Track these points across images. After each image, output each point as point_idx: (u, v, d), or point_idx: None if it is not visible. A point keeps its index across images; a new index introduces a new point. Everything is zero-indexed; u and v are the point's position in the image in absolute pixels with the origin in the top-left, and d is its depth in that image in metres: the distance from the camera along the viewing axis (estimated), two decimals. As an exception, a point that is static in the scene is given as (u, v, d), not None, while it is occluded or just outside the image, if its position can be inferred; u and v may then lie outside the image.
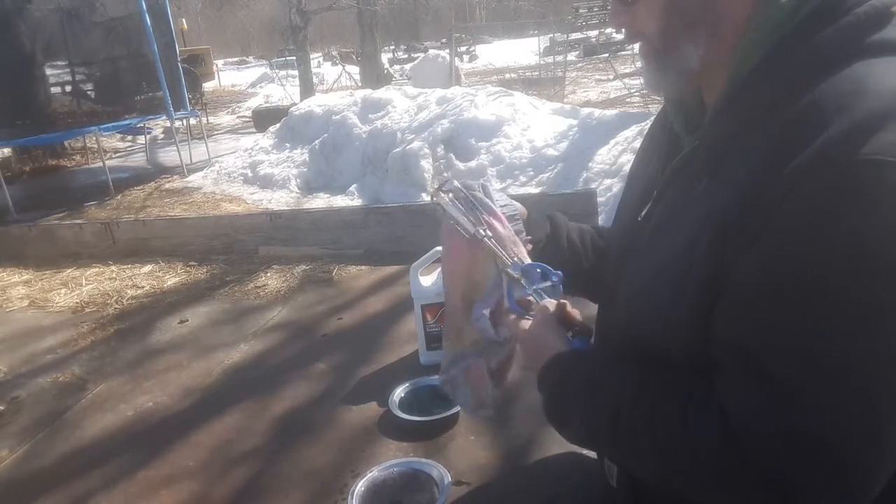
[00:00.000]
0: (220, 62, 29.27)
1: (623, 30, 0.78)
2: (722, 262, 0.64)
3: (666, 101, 0.86)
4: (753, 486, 0.61)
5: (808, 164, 0.59)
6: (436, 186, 0.98)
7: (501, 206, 0.95)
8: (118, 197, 6.69)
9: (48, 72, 7.83)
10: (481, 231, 0.90)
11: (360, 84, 14.47)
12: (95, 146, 8.39)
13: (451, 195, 0.94)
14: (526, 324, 0.87)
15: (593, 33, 21.13)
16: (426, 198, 5.51)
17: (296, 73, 14.90)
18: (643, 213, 0.83)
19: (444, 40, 25.29)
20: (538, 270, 0.87)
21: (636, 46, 0.79)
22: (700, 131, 0.76)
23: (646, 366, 0.74)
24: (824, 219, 0.58)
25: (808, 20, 0.66)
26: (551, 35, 16.43)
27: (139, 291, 2.77)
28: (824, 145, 0.58)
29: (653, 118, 0.97)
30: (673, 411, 0.67)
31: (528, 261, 0.89)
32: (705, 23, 0.71)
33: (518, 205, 1.01)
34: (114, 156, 9.63)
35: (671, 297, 0.70)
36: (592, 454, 1.14)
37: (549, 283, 0.87)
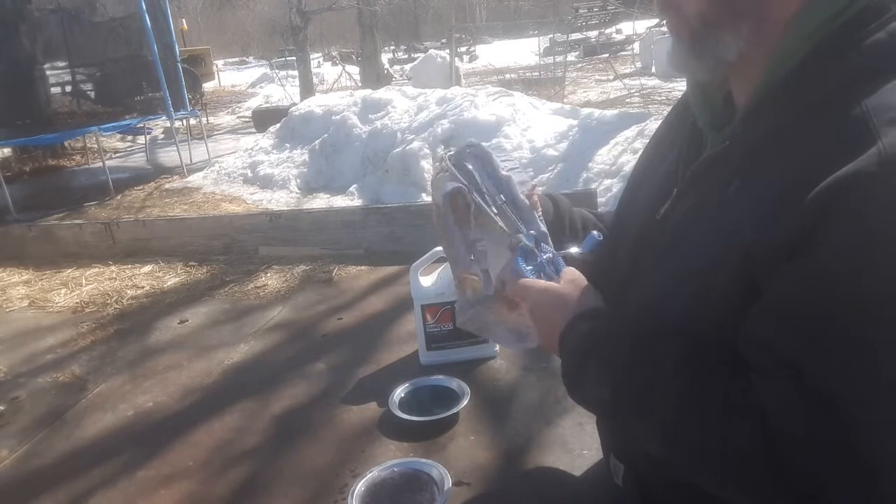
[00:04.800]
0: (220, 62, 29.27)
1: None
2: (757, 269, 0.62)
3: (689, 91, 0.83)
4: (779, 492, 0.59)
5: (859, 173, 0.56)
6: (449, 153, 0.98)
7: (511, 169, 0.95)
8: (118, 197, 6.68)
9: (48, 72, 7.84)
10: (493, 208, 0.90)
11: (360, 84, 14.46)
12: (95, 146, 8.38)
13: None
14: (543, 283, 0.81)
15: (593, 33, 21.13)
16: (426, 198, 5.51)
17: (296, 73, 14.89)
18: (662, 211, 0.79)
19: (444, 40, 25.29)
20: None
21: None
22: (730, 130, 0.72)
23: (691, 342, 0.68)
24: (875, 231, 0.55)
25: (854, 21, 0.64)
26: (551, 35, 16.40)
27: (139, 291, 2.77)
28: (878, 155, 0.56)
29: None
30: (714, 393, 0.63)
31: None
32: (751, 14, 0.67)
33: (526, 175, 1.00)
34: (114, 156, 9.62)
35: (696, 302, 0.68)
36: (597, 452, 1.14)
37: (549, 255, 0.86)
